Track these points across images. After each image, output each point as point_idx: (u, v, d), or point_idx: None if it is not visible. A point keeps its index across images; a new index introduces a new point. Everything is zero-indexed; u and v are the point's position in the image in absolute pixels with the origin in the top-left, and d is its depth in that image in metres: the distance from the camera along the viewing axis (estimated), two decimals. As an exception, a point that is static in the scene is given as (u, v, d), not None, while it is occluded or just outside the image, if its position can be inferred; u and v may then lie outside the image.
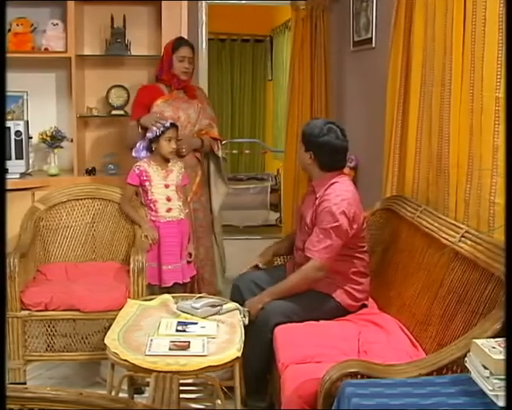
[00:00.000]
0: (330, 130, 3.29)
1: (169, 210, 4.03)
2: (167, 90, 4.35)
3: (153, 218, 4.02)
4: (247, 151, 9.71)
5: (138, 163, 4.01)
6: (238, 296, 3.42)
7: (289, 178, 5.74)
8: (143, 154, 4.04)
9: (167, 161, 4.05)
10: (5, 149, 4.31)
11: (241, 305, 3.26)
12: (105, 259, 4.15)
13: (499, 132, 2.69)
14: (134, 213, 4.04)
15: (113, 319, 3.14)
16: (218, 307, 3.19)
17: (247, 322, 3.12)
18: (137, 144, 4.07)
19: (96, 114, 4.92)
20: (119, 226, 4.19)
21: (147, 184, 4.00)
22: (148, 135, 3.98)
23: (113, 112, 4.94)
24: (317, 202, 3.24)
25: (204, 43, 5.56)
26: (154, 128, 3.96)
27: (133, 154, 4.08)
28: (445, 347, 2.46)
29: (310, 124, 3.38)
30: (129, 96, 4.93)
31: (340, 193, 3.22)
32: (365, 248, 3.37)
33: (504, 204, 2.62)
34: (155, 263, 3.97)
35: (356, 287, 3.30)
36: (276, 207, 7.83)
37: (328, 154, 3.29)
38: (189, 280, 4.13)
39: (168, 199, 4.03)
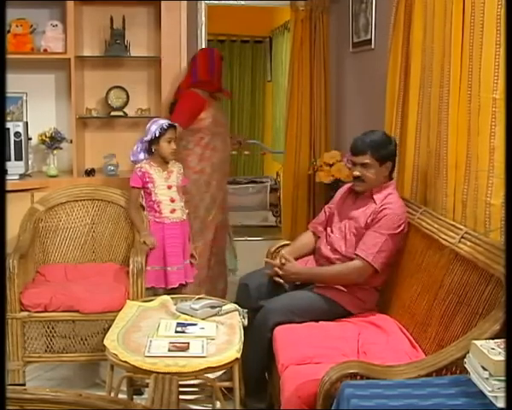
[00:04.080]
0: (389, 136, 3.43)
1: (173, 211, 4.03)
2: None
3: (156, 219, 4.01)
4: (246, 152, 9.68)
5: (139, 165, 4.00)
6: (245, 295, 3.41)
7: (289, 180, 5.73)
8: (141, 156, 4.03)
9: (167, 162, 4.05)
10: (5, 150, 4.31)
11: (248, 304, 3.27)
12: (104, 260, 4.15)
13: (496, 134, 2.69)
14: (137, 218, 4.02)
15: (113, 321, 3.15)
16: (218, 309, 3.19)
17: (246, 323, 3.12)
18: (134, 147, 4.06)
19: (95, 115, 4.92)
20: (118, 228, 4.19)
21: (150, 185, 3.99)
22: (147, 138, 3.97)
23: (113, 113, 4.94)
24: (377, 207, 3.25)
25: (203, 44, 5.56)
26: (152, 130, 3.95)
27: (131, 158, 4.07)
28: (444, 348, 2.46)
29: (373, 138, 3.32)
30: (128, 97, 4.92)
31: (400, 204, 3.29)
32: None
33: (500, 205, 2.63)
34: (159, 266, 3.96)
35: (361, 291, 3.30)
36: (275, 206, 7.81)
37: (395, 158, 3.43)
38: (192, 281, 4.13)
39: (172, 200, 4.03)
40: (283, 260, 3.39)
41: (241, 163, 10.52)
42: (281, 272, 3.36)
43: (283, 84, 7.66)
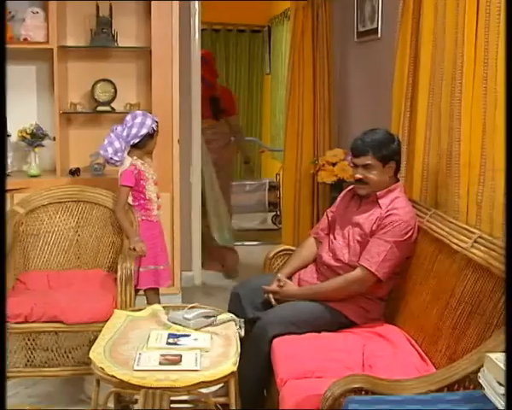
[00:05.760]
0: (391, 134, 3.43)
1: (159, 207, 4.18)
2: None
3: (148, 218, 4.11)
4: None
5: (132, 162, 4.02)
6: (237, 305, 3.43)
7: (290, 180, 5.72)
8: (125, 154, 4.05)
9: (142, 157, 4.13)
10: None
11: (241, 315, 3.27)
12: (90, 266, 4.15)
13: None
14: (126, 222, 4.01)
15: (99, 332, 3.13)
16: (212, 318, 3.19)
17: (242, 334, 3.12)
18: (117, 146, 4.00)
19: (80, 110, 4.92)
20: (105, 231, 4.19)
21: (144, 183, 4.06)
22: (145, 130, 3.99)
23: (99, 108, 4.94)
24: (383, 213, 3.24)
25: (197, 34, 5.54)
26: (149, 124, 4.01)
27: (116, 158, 4.00)
28: (456, 361, 2.46)
29: (374, 137, 3.31)
30: (116, 91, 4.93)
31: (408, 210, 3.27)
32: None
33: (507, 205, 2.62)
34: (154, 265, 4.10)
35: (365, 301, 3.31)
36: (275, 206, 7.80)
37: (400, 157, 3.43)
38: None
39: (158, 196, 4.17)
40: (281, 283, 3.39)
41: (238, 163, 10.49)
42: (276, 297, 3.37)
43: (283, 77, 7.67)
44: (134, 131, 3.98)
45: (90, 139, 4.92)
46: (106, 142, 4.00)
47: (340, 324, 3.25)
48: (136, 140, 3.99)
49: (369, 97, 4.95)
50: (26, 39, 4.66)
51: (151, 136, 4.04)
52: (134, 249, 3.86)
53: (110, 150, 4.00)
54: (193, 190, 5.67)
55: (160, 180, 4.30)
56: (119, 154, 4.00)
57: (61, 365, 3.60)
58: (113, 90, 4.94)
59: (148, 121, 4.02)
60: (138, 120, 4.01)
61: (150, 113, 4.24)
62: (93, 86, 4.91)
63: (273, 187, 8.00)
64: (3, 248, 2.49)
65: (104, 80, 4.93)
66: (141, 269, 4.00)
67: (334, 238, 3.45)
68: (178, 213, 4.92)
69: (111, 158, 4.01)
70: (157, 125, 4.08)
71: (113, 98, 4.94)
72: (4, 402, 1.48)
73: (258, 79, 10.59)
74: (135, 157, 4.03)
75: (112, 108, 4.94)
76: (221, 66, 10.30)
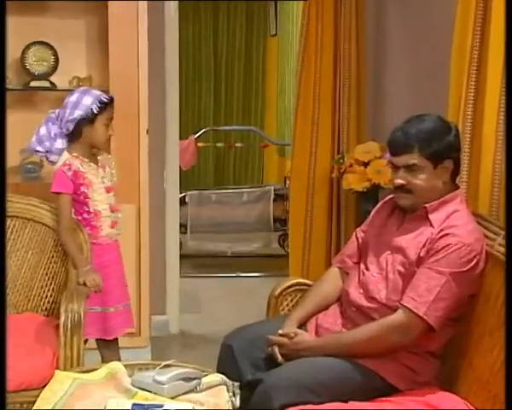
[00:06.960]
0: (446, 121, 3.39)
1: (114, 225, 4.16)
2: None
3: (95, 240, 4.08)
4: (238, 144, 9.70)
5: (65, 160, 4.00)
6: (230, 363, 3.42)
7: (300, 187, 5.72)
8: (60, 145, 4.03)
9: (94, 153, 4.11)
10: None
11: (235, 376, 3.25)
12: (20, 309, 4.15)
13: None
14: (73, 245, 4.00)
15: (33, 403, 3.10)
16: (195, 382, 3.16)
17: (238, 403, 3.09)
18: (42, 132, 4.02)
19: (6, 85, 4.89)
20: (42, 259, 4.18)
21: (85, 190, 4.03)
22: (79, 113, 3.95)
23: (33, 83, 4.95)
24: (436, 233, 3.23)
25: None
26: (86, 104, 3.95)
27: (38, 148, 4.03)
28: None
29: (422, 127, 3.29)
30: (57, 59, 4.91)
31: (472, 228, 3.24)
32: None
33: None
34: (101, 306, 4.11)
35: (410, 357, 3.29)
36: (283, 223, 7.77)
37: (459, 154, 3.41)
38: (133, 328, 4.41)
39: (113, 209, 4.15)
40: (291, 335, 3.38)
41: (231, 160, 10.51)
42: (285, 351, 3.36)
43: (294, 41, 7.67)
44: (66, 113, 3.97)
45: (20, 128, 4.84)
46: (36, 130, 4.03)
47: (374, 389, 3.23)
48: (71, 126, 3.97)
49: (415, 70, 4.96)
50: None
51: (90, 121, 3.98)
52: (84, 284, 3.83)
53: (35, 140, 4.03)
54: (167, 199, 5.66)
55: (122, 186, 4.29)
56: (41, 144, 4.01)
57: (-21, 451, 3.57)
58: (52, 57, 4.94)
59: (87, 100, 3.96)
60: (73, 98, 3.99)
61: (107, 91, 4.22)
62: (23, 51, 4.90)
63: (280, 196, 7.95)
64: (3, 251, 2.47)
65: (40, 43, 4.93)
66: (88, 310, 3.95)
67: (367, 269, 3.44)
68: (147, 233, 4.91)
69: (37, 151, 4.05)
70: (105, 106, 4.00)
71: (54, 69, 4.95)
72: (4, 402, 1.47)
73: (260, 45, 10.63)
74: (74, 153, 4.00)
75: (52, 83, 4.93)
76: (207, 28, 10.30)
